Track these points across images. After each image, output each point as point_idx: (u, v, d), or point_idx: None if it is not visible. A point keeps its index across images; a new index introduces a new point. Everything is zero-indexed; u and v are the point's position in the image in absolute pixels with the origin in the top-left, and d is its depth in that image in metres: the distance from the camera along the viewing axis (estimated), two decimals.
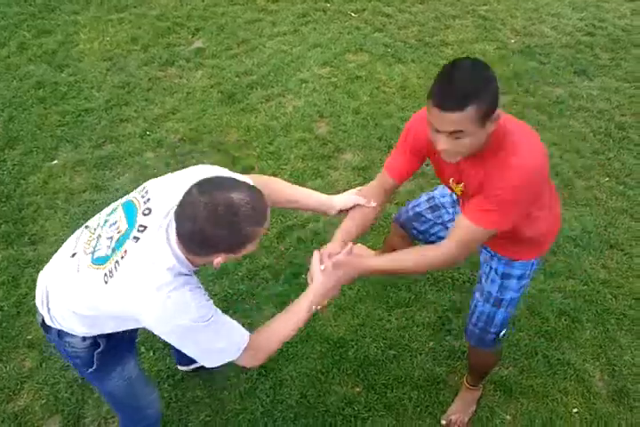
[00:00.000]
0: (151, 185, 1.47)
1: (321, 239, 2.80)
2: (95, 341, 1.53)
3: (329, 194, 2.95)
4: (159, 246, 1.32)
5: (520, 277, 1.83)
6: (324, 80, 3.72)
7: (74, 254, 1.47)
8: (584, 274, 2.70)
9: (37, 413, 2.20)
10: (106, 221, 1.46)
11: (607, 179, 3.18)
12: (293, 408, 2.22)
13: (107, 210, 1.52)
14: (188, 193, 1.25)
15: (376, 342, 2.43)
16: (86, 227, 1.53)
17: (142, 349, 2.38)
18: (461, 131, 1.36)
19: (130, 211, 1.42)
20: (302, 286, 2.58)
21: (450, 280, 2.66)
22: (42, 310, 1.53)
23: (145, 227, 1.35)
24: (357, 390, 2.28)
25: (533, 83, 3.81)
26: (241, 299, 2.57)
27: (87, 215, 2.86)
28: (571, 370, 2.35)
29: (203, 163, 3.09)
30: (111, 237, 1.40)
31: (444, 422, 2.19)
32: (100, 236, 1.43)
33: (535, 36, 4.25)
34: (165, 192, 1.41)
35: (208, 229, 1.21)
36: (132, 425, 1.88)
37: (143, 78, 3.72)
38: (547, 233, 1.80)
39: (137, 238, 1.34)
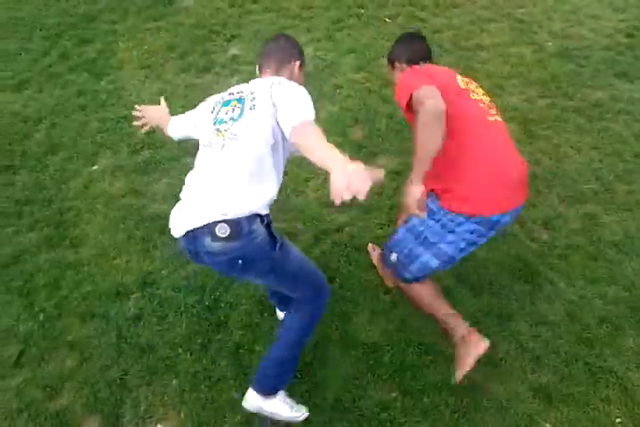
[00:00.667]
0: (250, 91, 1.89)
1: (356, 243, 2.79)
2: (266, 218, 1.81)
3: (364, 199, 2.96)
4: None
5: (429, 213, 1.98)
6: (358, 85, 3.73)
7: (223, 146, 1.79)
8: (626, 280, 2.63)
9: (78, 412, 2.25)
10: (222, 118, 1.86)
11: None
12: (328, 412, 2.22)
13: (211, 114, 1.93)
14: (268, 41, 2.10)
15: (411, 347, 2.41)
16: (208, 144, 1.85)
17: (180, 350, 2.41)
18: None
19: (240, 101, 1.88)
20: (336, 291, 2.60)
21: (488, 286, 2.62)
22: (223, 215, 1.70)
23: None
24: (393, 395, 2.26)
25: (572, 86, 3.75)
26: None
27: (126, 219, 2.92)
28: (613, 378, 2.29)
29: None
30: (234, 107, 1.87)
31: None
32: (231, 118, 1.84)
33: (573, 39, 4.17)
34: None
35: (286, 42, 2.07)
36: (316, 303, 2.00)
37: (180, 85, 3.79)
38: (451, 184, 1.94)
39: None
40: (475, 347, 2.08)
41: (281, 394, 2.03)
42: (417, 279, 2.17)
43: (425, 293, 2.21)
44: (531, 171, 3.14)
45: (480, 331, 2.44)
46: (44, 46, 4.12)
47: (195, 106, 3.69)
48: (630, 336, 2.42)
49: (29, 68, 3.92)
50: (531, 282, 2.64)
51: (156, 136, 3.41)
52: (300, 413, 2.06)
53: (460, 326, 2.16)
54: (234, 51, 4.08)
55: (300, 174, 3.12)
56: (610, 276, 2.65)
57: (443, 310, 2.20)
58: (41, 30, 4.27)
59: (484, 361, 2.35)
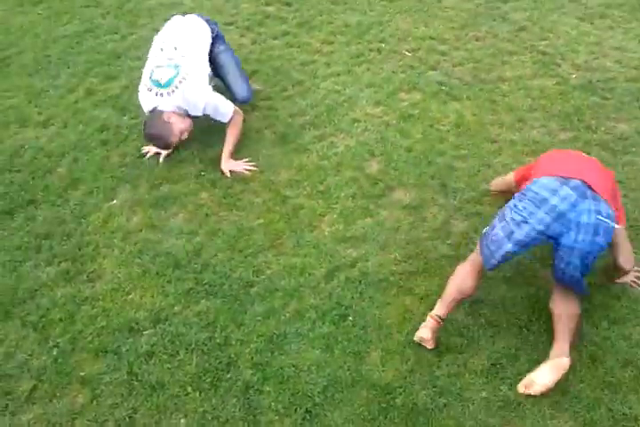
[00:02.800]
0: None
1: (370, 280, 2.75)
2: None
3: (379, 233, 2.92)
4: None
5: None
6: (376, 119, 3.73)
7: None
8: None
9: None
10: None
11: None
12: None
13: None
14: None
15: (425, 389, 2.34)
16: None
17: (189, 389, 2.39)
18: None
19: None
20: (349, 329, 2.55)
21: (505, 325, 2.54)
22: None
23: None
24: None
25: (595, 119, 3.68)
26: (287, 340, 2.54)
27: (142, 254, 2.94)
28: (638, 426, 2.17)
29: (253, 202, 3.09)
30: None
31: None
32: None
33: (597, 71, 4.12)
34: None
35: None
36: None
37: (200, 120, 3.84)
38: None
39: None
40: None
41: None
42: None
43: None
44: None
45: (497, 373, 2.37)
46: (72, 83, 4.24)
47: (214, 141, 3.72)
48: None
49: (56, 104, 4.03)
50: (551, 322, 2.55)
51: (175, 171, 3.46)
52: None
53: None
54: (254, 86, 4.13)
55: (315, 209, 3.11)
56: (635, 316, 2.55)
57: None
58: (69, 68, 4.40)
59: (501, 405, 2.27)
